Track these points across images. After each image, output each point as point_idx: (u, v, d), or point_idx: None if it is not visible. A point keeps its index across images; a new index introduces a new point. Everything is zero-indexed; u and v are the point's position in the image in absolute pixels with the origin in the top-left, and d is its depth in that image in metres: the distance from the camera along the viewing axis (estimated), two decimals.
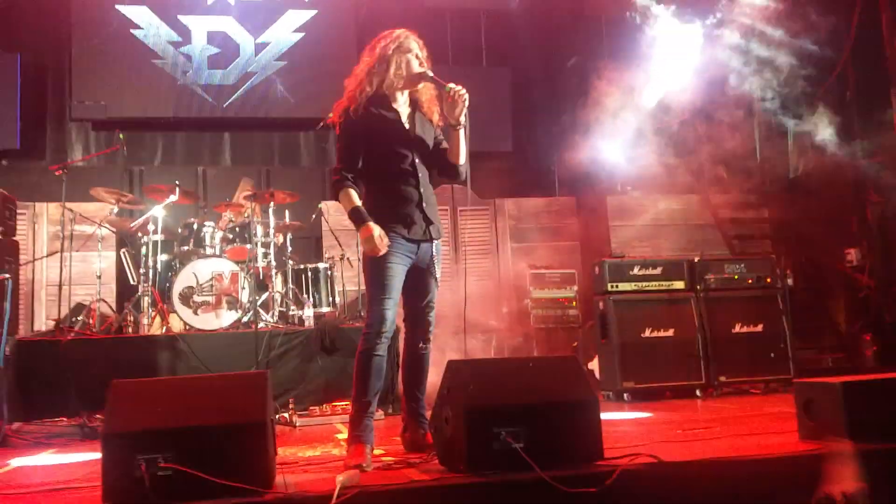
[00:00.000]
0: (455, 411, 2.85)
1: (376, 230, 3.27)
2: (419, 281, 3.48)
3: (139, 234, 6.35)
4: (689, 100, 7.39)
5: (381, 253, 3.27)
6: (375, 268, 3.35)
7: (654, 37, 7.62)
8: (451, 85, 3.33)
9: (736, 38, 7.45)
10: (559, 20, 8.71)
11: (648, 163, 7.88)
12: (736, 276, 6.16)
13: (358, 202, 3.36)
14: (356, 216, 3.34)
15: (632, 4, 8.22)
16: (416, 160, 3.42)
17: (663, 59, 7.43)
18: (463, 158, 3.47)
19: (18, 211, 5.83)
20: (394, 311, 3.36)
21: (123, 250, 6.63)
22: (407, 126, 3.46)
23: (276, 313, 6.28)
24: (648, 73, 7.48)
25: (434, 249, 3.50)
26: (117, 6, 8.07)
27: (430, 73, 3.43)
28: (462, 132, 3.40)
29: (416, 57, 3.43)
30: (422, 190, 3.44)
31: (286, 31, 8.41)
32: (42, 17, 7.94)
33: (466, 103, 3.33)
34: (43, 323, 7.04)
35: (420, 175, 3.43)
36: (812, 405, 3.23)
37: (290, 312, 6.34)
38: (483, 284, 8.03)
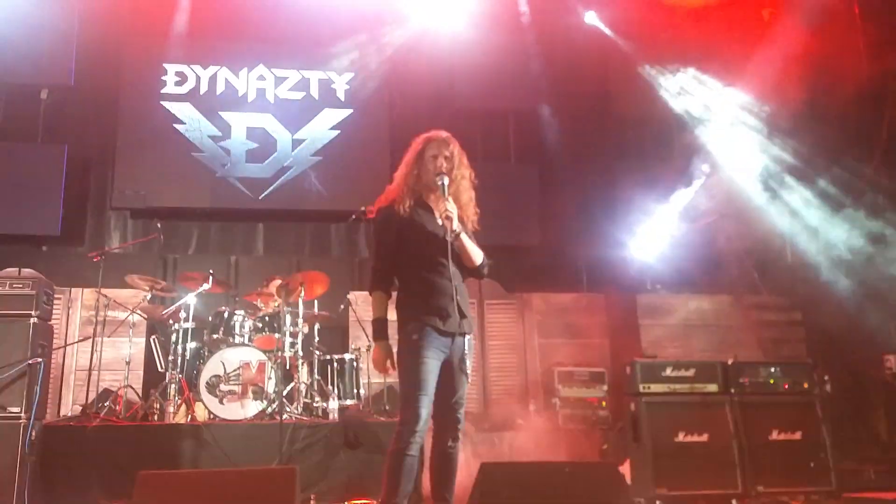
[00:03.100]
0: None
1: (386, 353, 3.43)
2: (450, 376, 3.47)
3: (170, 322, 6.41)
4: (720, 200, 7.43)
5: (382, 375, 3.47)
6: (411, 364, 3.36)
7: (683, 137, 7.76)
8: (440, 204, 3.49)
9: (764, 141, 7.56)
10: (586, 119, 8.91)
11: (679, 262, 7.89)
12: (772, 381, 5.99)
13: (385, 313, 3.48)
14: (377, 328, 3.48)
15: (659, 107, 8.44)
16: (450, 256, 3.48)
17: (694, 159, 7.53)
18: (474, 262, 3.57)
19: (54, 297, 5.92)
20: (429, 408, 3.34)
21: (153, 337, 6.67)
22: (441, 223, 3.54)
23: (301, 405, 6.22)
24: (678, 172, 7.57)
25: (466, 345, 3.50)
26: (162, 102, 8.42)
27: (440, 182, 3.53)
28: (464, 239, 3.50)
29: (438, 164, 3.55)
30: (456, 284, 3.49)
31: (322, 128, 8.69)
32: (90, 110, 8.30)
33: (452, 222, 3.43)
34: (70, 408, 7.03)
35: (453, 270, 3.49)
36: None
37: (315, 404, 6.28)
38: (509, 380, 7.93)
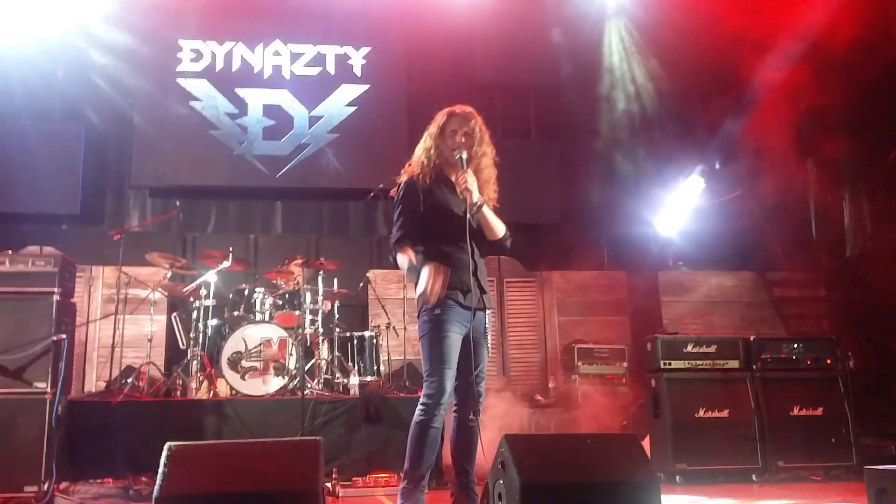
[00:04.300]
0: (510, 488, 2.76)
1: (435, 268, 3.35)
2: (472, 351, 3.46)
3: (191, 299, 6.45)
4: (744, 175, 7.34)
5: (432, 300, 3.32)
6: (435, 337, 3.37)
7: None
8: (459, 178, 3.46)
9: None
10: (609, 93, 8.78)
11: (701, 238, 7.80)
12: (794, 357, 5.96)
13: (415, 261, 3.44)
14: (414, 268, 3.42)
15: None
16: (468, 232, 3.46)
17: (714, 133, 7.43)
18: (496, 234, 3.54)
19: (76, 274, 5.97)
20: (452, 381, 3.35)
21: (174, 314, 6.71)
22: (462, 198, 3.52)
23: (322, 381, 6.26)
24: (700, 147, 7.48)
25: (487, 320, 3.51)
26: (178, 79, 8.40)
27: (458, 157, 3.48)
28: (485, 212, 3.48)
29: (458, 139, 3.50)
30: (476, 259, 3.50)
31: (339, 104, 8.63)
32: (107, 90, 8.29)
33: (472, 194, 3.41)
34: (94, 384, 7.11)
35: (472, 246, 3.47)
36: (886, 495, 3.05)
37: (336, 380, 6.31)
38: (529, 357, 7.92)
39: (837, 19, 6.78)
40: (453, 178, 3.58)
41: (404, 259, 3.45)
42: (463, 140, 3.50)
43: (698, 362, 5.85)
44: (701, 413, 5.70)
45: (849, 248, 8.21)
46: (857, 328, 7.50)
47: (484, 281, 3.52)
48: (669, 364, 5.82)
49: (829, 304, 8.13)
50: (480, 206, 3.45)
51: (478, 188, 3.50)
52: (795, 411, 5.82)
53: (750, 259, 8.33)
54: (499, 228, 3.55)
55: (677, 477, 5.49)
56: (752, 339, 6.01)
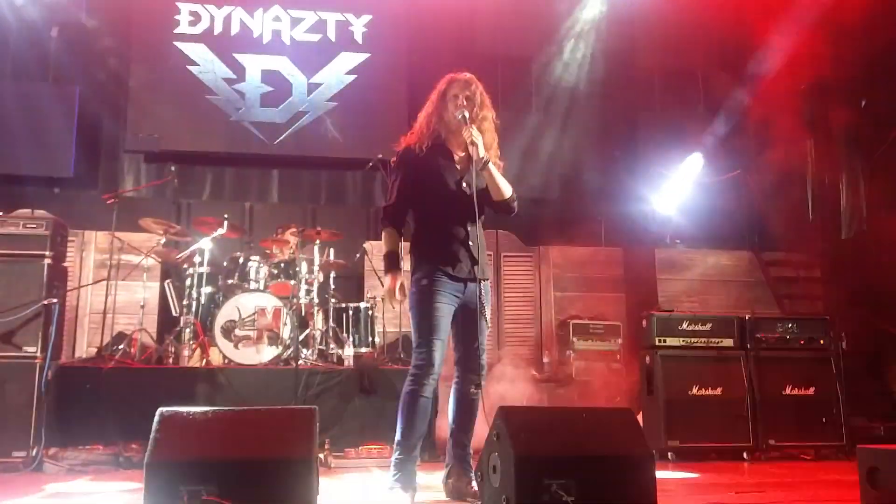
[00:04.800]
0: (504, 460, 2.74)
1: (397, 285, 3.40)
2: (469, 322, 3.44)
3: (184, 266, 6.39)
4: (741, 153, 7.29)
5: (394, 307, 3.45)
6: (423, 308, 3.36)
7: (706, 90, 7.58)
8: (464, 132, 3.40)
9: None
10: (609, 68, 8.70)
11: (699, 217, 7.77)
12: (788, 337, 5.98)
13: (396, 247, 3.46)
14: (388, 262, 3.46)
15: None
16: (466, 201, 3.42)
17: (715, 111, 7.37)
18: (503, 193, 3.49)
19: (68, 238, 5.90)
20: (442, 352, 3.34)
21: (167, 281, 6.66)
22: (458, 167, 3.50)
23: (316, 351, 6.23)
24: (700, 125, 7.42)
25: (483, 290, 3.45)
26: (175, 42, 8.26)
27: (459, 116, 3.43)
28: (492, 168, 3.43)
29: (459, 102, 3.46)
30: (469, 229, 3.45)
31: (339, 72, 8.51)
32: (102, 51, 8.14)
33: (478, 148, 3.36)
34: (84, 350, 7.07)
35: (468, 216, 3.43)
36: (877, 474, 3.06)
37: (330, 351, 6.29)
38: (524, 332, 7.91)
39: None
40: (453, 148, 3.53)
41: (384, 243, 3.50)
42: (465, 103, 3.46)
43: (693, 340, 5.86)
44: (694, 391, 5.72)
45: (844, 230, 8.20)
46: (851, 310, 7.51)
47: (478, 251, 3.45)
48: (664, 341, 5.82)
49: (824, 285, 8.14)
50: (487, 163, 3.40)
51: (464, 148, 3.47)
52: (788, 390, 5.85)
53: (747, 239, 8.32)
54: (505, 188, 3.49)
55: (669, 454, 5.52)
56: (746, 318, 6.02)
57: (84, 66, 8.07)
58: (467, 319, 3.43)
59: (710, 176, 7.78)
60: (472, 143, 3.36)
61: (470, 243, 3.43)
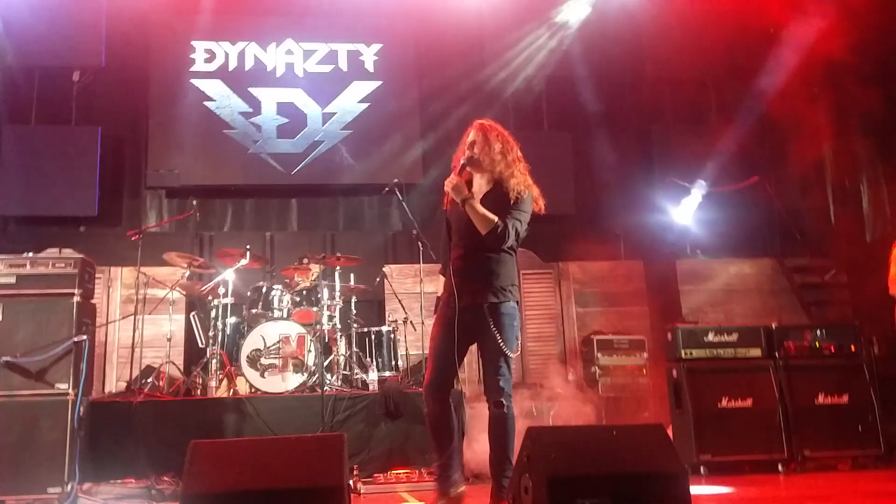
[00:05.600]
0: (536, 481, 2.73)
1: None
2: (480, 345, 3.69)
3: (209, 298, 6.46)
4: (760, 161, 7.25)
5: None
6: (431, 334, 3.78)
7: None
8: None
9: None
10: (620, 83, 8.72)
11: (719, 226, 7.71)
12: (817, 344, 5.89)
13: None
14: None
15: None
16: (463, 234, 3.73)
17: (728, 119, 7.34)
18: (481, 229, 3.66)
19: (95, 276, 5.99)
20: (437, 372, 3.65)
21: (193, 313, 6.73)
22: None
23: (340, 377, 6.25)
24: (714, 133, 7.39)
25: (487, 313, 3.60)
26: (192, 80, 8.43)
27: (463, 162, 3.77)
28: (470, 207, 3.66)
29: (465, 148, 3.80)
30: (462, 262, 3.72)
31: (352, 101, 8.62)
32: (122, 91, 8.33)
33: (456, 192, 3.68)
34: (114, 384, 7.15)
35: (464, 248, 3.72)
36: None
37: (354, 376, 6.30)
38: (548, 350, 7.88)
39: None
40: (475, 185, 3.82)
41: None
42: (466, 150, 3.77)
43: (720, 351, 5.79)
44: (724, 403, 5.64)
45: (868, 233, 8.10)
46: (880, 314, 7.39)
47: (465, 278, 3.67)
48: (690, 353, 5.76)
49: (851, 290, 8.03)
50: (464, 203, 3.66)
51: (486, 185, 3.75)
52: (820, 399, 5.75)
53: (769, 246, 8.25)
54: (481, 224, 3.64)
55: (702, 468, 5.44)
56: (773, 326, 5.94)
57: (105, 108, 8.27)
58: (479, 343, 3.69)
59: (727, 184, 7.73)
60: (447, 192, 3.73)
61: (461, 273, 3.69)
